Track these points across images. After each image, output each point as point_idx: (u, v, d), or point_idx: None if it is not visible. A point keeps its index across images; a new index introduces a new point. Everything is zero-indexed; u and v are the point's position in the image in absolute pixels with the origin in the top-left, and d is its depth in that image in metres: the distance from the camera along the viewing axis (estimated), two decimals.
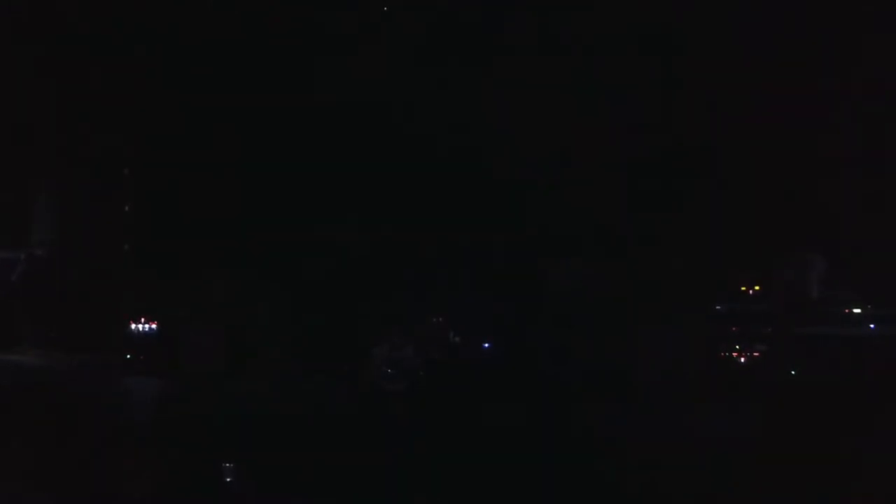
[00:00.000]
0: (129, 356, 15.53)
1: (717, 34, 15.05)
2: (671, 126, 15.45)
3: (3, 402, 14.31)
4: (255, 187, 15.50)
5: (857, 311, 15.39)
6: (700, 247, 15.33)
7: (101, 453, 14.24)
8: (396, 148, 15.34)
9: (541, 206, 15.37)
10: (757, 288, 15.66)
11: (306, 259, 15.57)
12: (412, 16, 15.55)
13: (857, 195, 15.12)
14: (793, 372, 15.24)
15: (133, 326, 15.59)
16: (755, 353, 15.45)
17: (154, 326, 15.60)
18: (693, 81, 15.36)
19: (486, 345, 15.51)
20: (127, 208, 15.95)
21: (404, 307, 15.53)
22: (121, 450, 14.41)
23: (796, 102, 15.16)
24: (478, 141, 15.15)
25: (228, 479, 14.40)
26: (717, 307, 15.67)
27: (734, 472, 12.77)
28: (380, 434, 14.53)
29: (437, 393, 15.03)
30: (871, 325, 15.03)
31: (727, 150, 15.42)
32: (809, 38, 14.94)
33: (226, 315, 15.53)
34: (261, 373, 15.39)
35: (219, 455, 14.35)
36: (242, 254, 15.45)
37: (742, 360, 15.47)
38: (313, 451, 14.39)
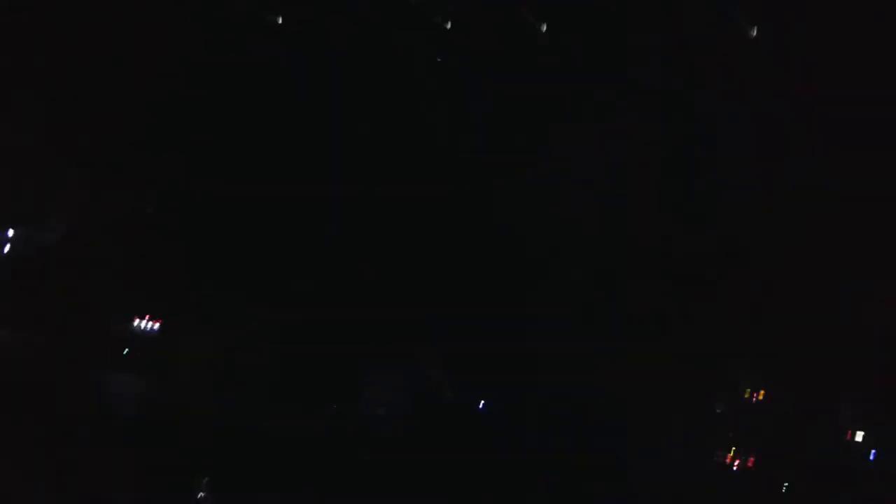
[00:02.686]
0: (124, 351, 15.33)
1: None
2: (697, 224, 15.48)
3: None
4: (266, 213, 15.43)
5: (858, 438, 15.13)
6: (710, 344, 15.21)
7: (74, 447, 14.03)
8: (410, 193, 15.30)
9: (553, 279, 15.32)
10: (761, 395, 15.43)
11: (308, 292, 15.40)
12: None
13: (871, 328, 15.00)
14: (784, 488, 14.94)
15: (136, 323, 15.43)
16: (749, 462, 15.16)
17: (155, 326, 15.43)
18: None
19: (483, 402, 15.27)
20: (147, 208, 15.93)
21: (402, 351, 15.34)
22: (95, 446, 14.20)
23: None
24: (493, 204, 15.19)
25: (201, 494, 14.13)
26: (718, 410, 15.43)
27: None
28: (360, 474, 14.31)
29: (424, 439, 14.76)
30: (873, 452, 14.74)
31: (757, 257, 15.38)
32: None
33: (221, 332, 15.34)
34: (248, 394, 15.18)
35: (195, 468, 14.13)
36: (246, 277, 15.33)
37: (735, 467, 15.17)
38: (290, 479, 14.21)
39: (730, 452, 15.18)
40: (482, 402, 15.25)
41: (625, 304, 15.34)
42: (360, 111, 15.43)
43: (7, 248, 15.29)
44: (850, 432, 15.06)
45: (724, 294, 15.25)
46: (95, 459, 14.01)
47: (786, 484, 14.84)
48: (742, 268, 15.26)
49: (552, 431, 14.92)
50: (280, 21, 15.53)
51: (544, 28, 14.91)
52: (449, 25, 15.31)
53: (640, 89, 14.80)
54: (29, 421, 14.09)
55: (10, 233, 15.20)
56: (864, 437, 15.01)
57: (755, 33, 14.04)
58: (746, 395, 15.44)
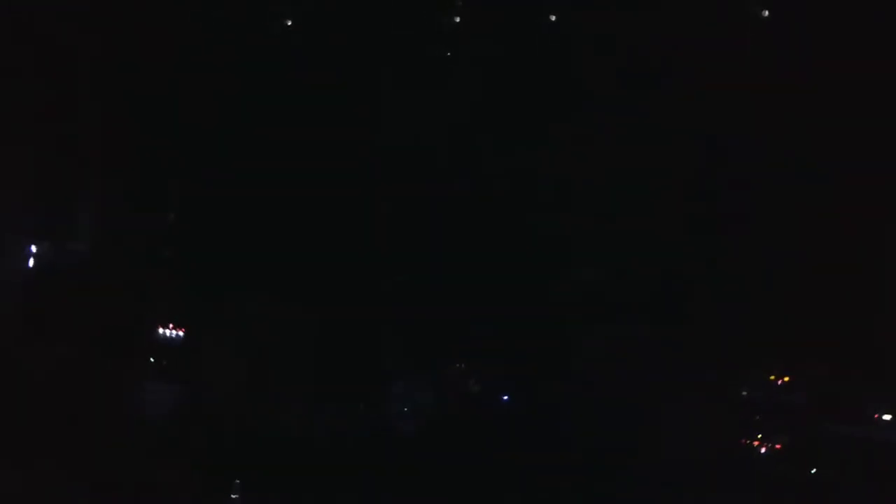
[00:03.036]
0: (152, 360, 15.67)
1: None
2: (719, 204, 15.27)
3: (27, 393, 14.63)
4: (293, 215, 15.55)
5: (886, 417, 14.95)
6: (734, 329, 15.08)
7: (112, 455, 14.49)
8: (438, 196, 15.31)
9: (580, 272, 15.27)
10: (786, 379, 15.28)
11: (335, 292, 15.57)
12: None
13: None
14: (813, 471, 14.85)
15: (161, 331, 15.74)
16: (777, 446, 15.07)
17: (181, 333, 15.73)
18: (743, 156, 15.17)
19: (505, 397, 15.37)
20: (171, 218, 16.15)
21: (429, 349, 15.47)
22: (131, 453, 14.64)
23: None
24: (522, 201, 15.12)
25: (234, 496, 14.54)
26: (744, 393, 15.33)
27: None
28: (387, 471, 14.57)
29: (449, 437, 14.95)
30: None
31: (776, 241, 15.17)
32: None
33: (251, 336, 15.60)
34: (279, 396, 15.47)
35: (228, 470, 14.53)
36: (274, 280, 15.51)
37: (763, 450, 15.11)
38: (319, 478, 14.53)
39: (757, 436, 15.12)
40: (505, 395, 15.35)
41: (648, 287, 15.25)
42: (386, 115, 15.46)
43: (31, 262, 15.63)
44: (877, 414, 14.92)
45: (751, 277, 15.12)
46: (134, 464, 14.51)
47: (814, 468, 14.78)
48: (770, 248, 15.08)
49: (578, 419, 14.99)
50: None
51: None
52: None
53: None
54: (70, 431, 14.58)
55: (34, 248, 15.52)
56: (892, 418, 14.86)
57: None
58: (772, 378, 15.33)
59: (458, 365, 15.56)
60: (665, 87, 15.09)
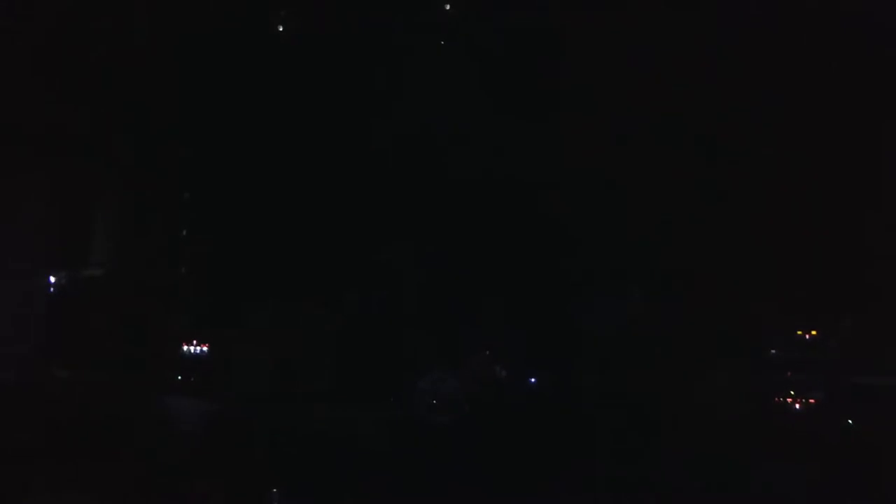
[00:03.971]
0: (178, 377, 15.70)
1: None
2: (730, 163, 15.20)
3: (52, 417, 14.61)
4: (308, 217, 15.60)
5: None
6: (757, 288, 15.01)
7: (145, 475, 14.48)
8: (447, 182, 15.33)
9: (591, 241, 15.19)
10: (814, 333, 15.22)
11: (355, 289, 15.62)
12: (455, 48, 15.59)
13: None
14: (850, 421, 14.76)
15: (185, 348, 15.78)
16: (811, 401, 14.99)
17: (204, 349, 15.76)
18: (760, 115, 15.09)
19: (532, 379, 15.33)
20: (184, 232, 16.18)
21: (451, 340, 15.45)
22: (165, 471, 14.63)
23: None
24: (526, 175, 15.08)
25: None
26: (773, 351, 15.26)
27: None
28: (422, 467, 14.50)
29: (481, 427, 14.90)
30: None
31: (794, 193, 15.09)
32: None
33: (274, 341, 15.64)
34: (307, 399, 15.46)
35: (264, 480, 14.49)
36: (292, 282, 15.56)
37: (797, 406, 15.03)
38: (355, 480, 14.46)
39: (790, 393, 15.04)
40: (532, 378, 15.32)
41: (662, 254, 15.20)
42: (393, 111, 15.51)
43: (51, 290, 15.68)
44: None
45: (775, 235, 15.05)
46: (171, 481, 14.49)
47: (850, 420, 14.69)
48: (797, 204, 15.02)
49: (605, 395, 14.95)
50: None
51: None
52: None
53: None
54: (104, 455, 14.59)
55: (52, 279, 15.58)
56: None
57: None
58: (800, 334, 15.26)
59: (483, 353, 15.54)
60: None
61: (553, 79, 15.14)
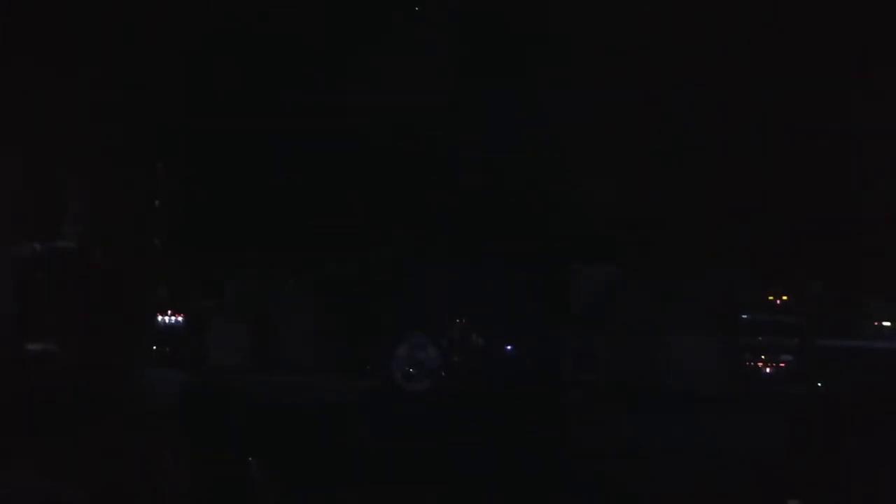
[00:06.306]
0: (154, 348, 15.67)
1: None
2: (702, 132, 15.34)
3: (26, 392, 14.53)
4: (285, 188, 15.60)
5: (886, 323, 15.17)
6: (728, 255, 15.22)
7: (121, 446, 14.45)
8: (423, 151, 15.39)
9: (568, 210, 15.32)
10: (785, 298, 15.47)
11: (332, 258, 15.68)
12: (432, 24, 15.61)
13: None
14: (819, 384, 15.05)
15: (160, 318, 15.74)
16: (781, 364, 15.27)
17: (180, 319, 15.74)
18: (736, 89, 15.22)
19: (509, 347, 15.48)
20: (158, 202, 16.09)
21: (428, 308, 15.55)
22: (142, 443, 14.60)
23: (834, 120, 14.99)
24: (505, 144, 15.16)
25: (251, 475, 14.53)
26: (744, 316, 15.50)
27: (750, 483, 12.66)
28: (398, 433, 14.60)
29: (458, 395, 15.02)
30: None
31: (759, 158, 15.27)
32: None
33: (252, 311, 15.67)
34: (285, 369, 15.51)
35: (241, 450, 14.52)
36: (270, 252, 15.58)
37: (768, 370, 15.30)
38: (333, 448, 14.53)
39: (761, 357, 15.30)
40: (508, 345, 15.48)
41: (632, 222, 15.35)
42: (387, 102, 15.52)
43: (20, 263, 15.56)
44: (877, 321, 15.13)
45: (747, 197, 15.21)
46: (150, 450, 14.48)
47: (819, 383, 14.98)
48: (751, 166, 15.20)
49: (581, 361, 15.14)
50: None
51: None
52: None
53: None
54: (83, 424, 14.54)
55: (21, 250, 15.46)
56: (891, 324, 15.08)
57: None
58: (770, 299, 15.51)
59: (458, 321, 15.67)
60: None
61: (533, 45, 15.22)
